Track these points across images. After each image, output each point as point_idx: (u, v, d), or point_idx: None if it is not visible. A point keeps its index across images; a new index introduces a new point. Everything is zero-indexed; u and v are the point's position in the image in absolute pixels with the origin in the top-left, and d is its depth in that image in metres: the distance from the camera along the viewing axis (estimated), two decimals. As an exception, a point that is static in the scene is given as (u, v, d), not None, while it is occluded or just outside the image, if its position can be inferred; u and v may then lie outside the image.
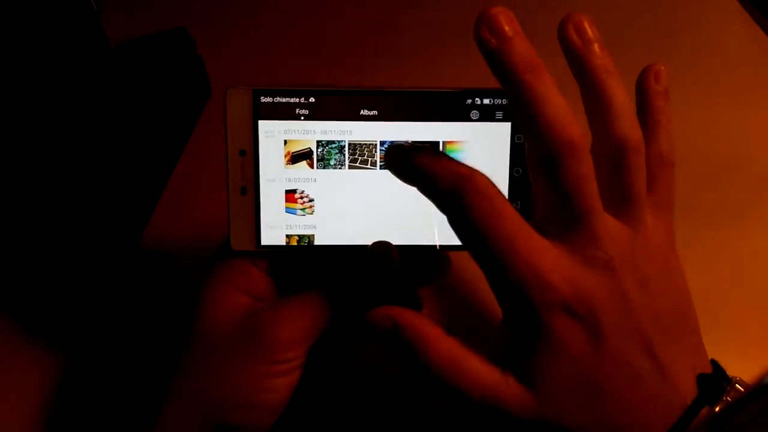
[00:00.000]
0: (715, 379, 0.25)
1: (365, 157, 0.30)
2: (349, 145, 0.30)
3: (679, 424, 0.23)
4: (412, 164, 0.25)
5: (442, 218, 0.30)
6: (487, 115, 0.30)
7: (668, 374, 0.24)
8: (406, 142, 0.29)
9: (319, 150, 0.30)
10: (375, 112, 0.30)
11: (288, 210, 0.30)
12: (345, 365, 0.37)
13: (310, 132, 0.30)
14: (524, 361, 0.24)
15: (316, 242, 0.30)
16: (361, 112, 0.29)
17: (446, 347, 0.25)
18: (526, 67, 0.24)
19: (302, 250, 0.30)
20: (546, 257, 0.24)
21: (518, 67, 0.24)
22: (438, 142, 0.30)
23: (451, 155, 0.30)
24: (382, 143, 0.30)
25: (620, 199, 0.25)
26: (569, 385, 0.24)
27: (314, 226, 0.30)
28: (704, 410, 0.24)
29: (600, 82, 0.25)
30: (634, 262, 0.24)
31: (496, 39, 0.24)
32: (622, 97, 0.25)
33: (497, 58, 0.24)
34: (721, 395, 0.24)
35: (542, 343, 0.24)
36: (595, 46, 0.25)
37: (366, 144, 0.30)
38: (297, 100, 0.29)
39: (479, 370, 0.24)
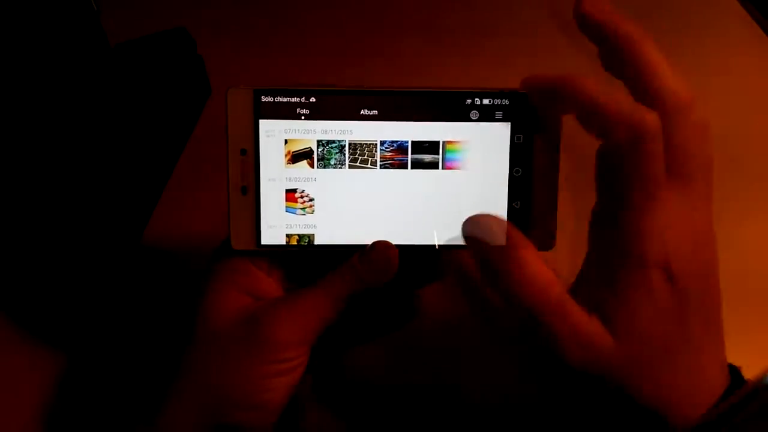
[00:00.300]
0: (737, 372, 0.26)
1: (365, 157, 0.30)
2: (350, 144, 0.30)
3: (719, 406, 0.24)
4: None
5: (442, 219, 0.30)
6: (487, 115, 0.30)
7: (712, 354, 0.25)
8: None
9: (320, 149, 0.30)
10: (375, 112, 0.30)
11: (288, 209, 0.30)
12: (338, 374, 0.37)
13: (310, 131, 0.30)
14: (615, 311, 0.24)
15: (316, 242, 0.30)
16: (362, 111, 0.29)
17: (557, 292, 0.25)
18: (640, 34, 0.25)
19: (302, 249, 0.30)
20: (665, 214, 0.24)
21: (634, 32, 0.25)
22: (438, 142, 0.30)
23: (452, 154, 0.30)
24: (382, 143, 0.30)
25: (684, 167, 0.25)
26: (650, 343, 0.24)
27: (314, 226, 0.30)
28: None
29: (637, 45, 0.25)
30: (711, 232, 0.25)
31: (602, 14, 0.25)
32: (664, 61, 0.25)
33: (611, 27, 0.25)
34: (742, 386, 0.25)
35: (638, 295, 0.24)
36: (618, 14, 0.25)
37: (366, 144, 0.30)
38: (298, 99, 0.29)
39: (579, 314, 0.25)
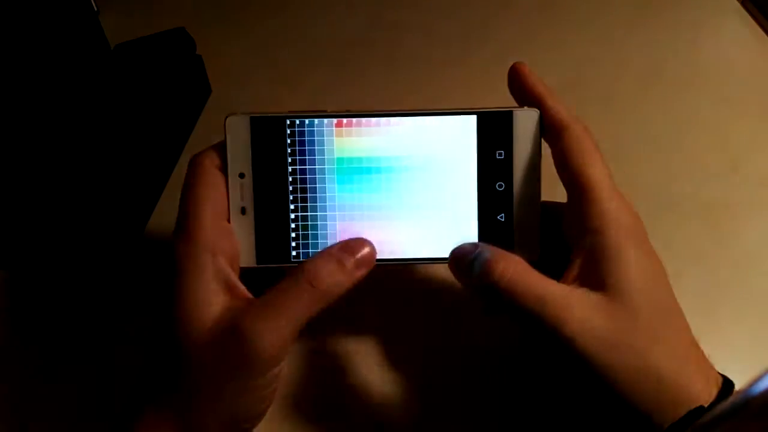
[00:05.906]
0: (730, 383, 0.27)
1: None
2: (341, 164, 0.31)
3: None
4: None
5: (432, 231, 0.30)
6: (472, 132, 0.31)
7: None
8: None
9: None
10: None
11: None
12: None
13: (304, 155, 0.31)
14: (606, 278, 0.27)
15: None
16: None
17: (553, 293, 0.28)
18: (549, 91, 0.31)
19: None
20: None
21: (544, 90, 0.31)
22: (426, 160, 0.31)
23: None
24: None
25: None
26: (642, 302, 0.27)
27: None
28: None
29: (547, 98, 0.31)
30: None
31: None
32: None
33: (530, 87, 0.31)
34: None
35: (623, 256, 0.28)
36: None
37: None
38: (291, 126, 0.31)
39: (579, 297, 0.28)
